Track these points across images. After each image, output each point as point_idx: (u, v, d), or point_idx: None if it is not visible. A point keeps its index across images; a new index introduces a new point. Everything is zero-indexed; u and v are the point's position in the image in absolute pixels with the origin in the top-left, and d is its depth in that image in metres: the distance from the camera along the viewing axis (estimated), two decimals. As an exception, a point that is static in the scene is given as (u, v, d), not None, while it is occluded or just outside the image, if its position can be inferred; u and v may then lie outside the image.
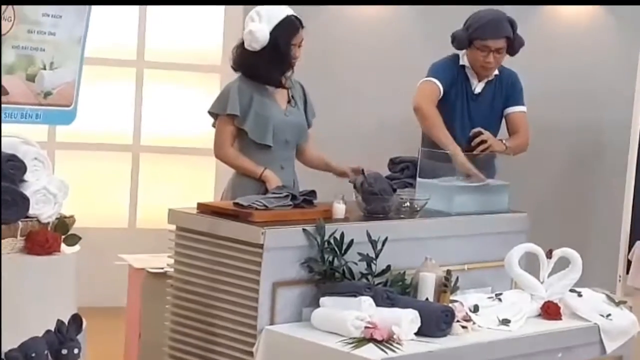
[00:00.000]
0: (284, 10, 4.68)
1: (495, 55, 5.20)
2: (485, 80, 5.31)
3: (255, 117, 4.65)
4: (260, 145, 4.68)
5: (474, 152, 5.01)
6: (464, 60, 5.29)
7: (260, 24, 4.62)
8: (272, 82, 4.71)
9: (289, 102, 4.78)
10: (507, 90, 5.36)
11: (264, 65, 4.65)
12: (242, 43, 4.70)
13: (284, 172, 4.75)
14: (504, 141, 5.23)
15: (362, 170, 4.53)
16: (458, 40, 5.24)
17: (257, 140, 4.67)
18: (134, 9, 6.77)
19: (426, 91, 5.20)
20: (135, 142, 6.87)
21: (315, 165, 4.91)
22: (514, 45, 5.25)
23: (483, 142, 5.04)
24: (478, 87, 5.30)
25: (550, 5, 6.85)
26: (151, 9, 6.80)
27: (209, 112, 4.75)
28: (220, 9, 6.87)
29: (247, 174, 4.66)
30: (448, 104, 5.25)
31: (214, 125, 4.78)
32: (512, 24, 5.24)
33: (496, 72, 5.33)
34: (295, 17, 4.70)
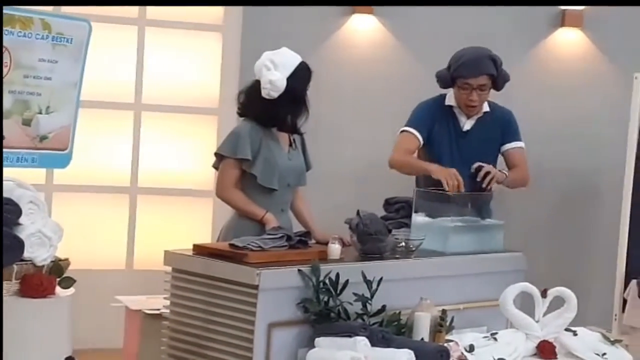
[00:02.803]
0: (297, 57, 4.75)
1: (478, 93, 5.24)
2: (475, 118, 5.35)
3: (264, 162, 4.68)
4: (264, 188, 4.70)
5: (483, 185, 5.04)
6: (450, 100, 5.34)
7: (277, 72, 4.65)
8: (288, 128, 4.77)
9: (290, 145, 4.82)
10: (503, 127, 5.40)
11: (282, 112, 4.71)
12: (251, 89, 4.75)
13: (284, 215, 4.78)
14: (503, 171, 5.26)
15: (358, 211, 4.55)
16: (442, 80, 5.32)
17: (265, 185, 4.69)
18: (132, 51, 6.81)
19: (402, 145, 5.30)
20: (132, 184, 6.88)
21: (295, 214, 4.93)
22: (497, 82, 5.29)
23: (487, 173, 5.07)
24: (467, 125, 5.34)
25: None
26: (148, 51, 6.84)
27: (217, 154, 4.77)
28: (218, 51, 6.91)
29: (248, 216, 4.68)
30: (435, 143, 5.31)
31: (215, 166, 4.80)
32: (495, 61, 5.29)
33: (486, 108, 5.36)
34: (306, 63, 4.77)
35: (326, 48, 6.81)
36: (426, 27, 6.65)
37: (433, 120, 5.31)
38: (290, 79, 4.67)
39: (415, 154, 5.36)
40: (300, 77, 4.71)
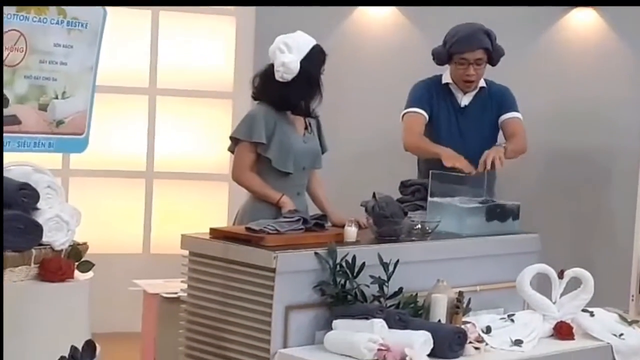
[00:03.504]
0: (311, 40, 4.74)
1: (475, 67, 5.27)
2: (472, 94, 5.36)
3: (279, 146, 4.68)
4: (280, 172, 4.70)
5: (488, 168, 5.05)
6: (446, 78, 5.37)
7: (291, 55, 4.65)
8: (302, 112, 4.77)
9: (305, 128, 4.81)
10: (499, 100, 5.42)
11: (296, 95, 4.70)
12: (265, 73, 4.74)
13: (300, 198, 4.78)
14: (502, 144, 5.26)
15: (374, 193, 4.55)
16: (438, 57, 5.34)
17: (280, 168, 4.69)
18: (146, 36, 6.82)
19: (411, 127, 5.31)
20: (148, 169, 6.90)
21: (312, 198, 4.93)
22: (493, 56, 5.32)
23: (488, 163, 5.06)
24: (464, 100, 5.38)
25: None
26: (163, 35, 6.84)
27: (232, 137, 4.77)
28: (232, 34, 6.92)
29: (264, 199, 4.69)
30: (434, 121, 5.33)
31: (230, 149, 4.80)
32: (489, 35, 5.31)
33: (483, 84, 5.38)
34: (320, 45, 4.75)
35: (341, 32, 6.81)
36: (439, 11, 6.62)
37: (431, 97, 5.34)
38: (303, 61, 4.66)
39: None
40: (314, 59, 4.70)
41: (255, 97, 4.80)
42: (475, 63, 5.26)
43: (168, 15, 6.83)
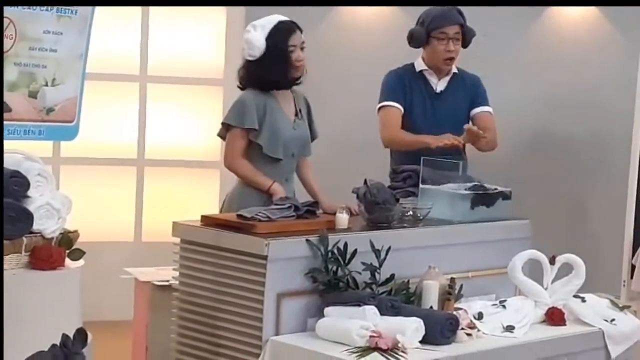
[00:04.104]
0: (277, 17, 4.77)
1: (454, 42, 5.29)
2: (447, 79, 5.39)
3: (269, 132, 4.68)
4: (269, 158, 4.70)
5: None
6: (420, 65, 5.38)
7: (255, 32, 4.69)
8: (282, 85, 4.76)
9: (296, 114, 4.81)
10: (471, 91, 5.44)
11: (267, 70, 4.69)
12: (244, 62, 4.75)
13: (288, 184, 4.78)
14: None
15: (365, 180, 4.55)
16: (417, 37, 5.35)
17: (270, 154, 4.69)
18: (137, 23, 6.80)
19: (388, 121, 5.33)
20: (139, 156, 6.89)
21: (303, 185, 4.93)
22: (465, 36, 5.35)
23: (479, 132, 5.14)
24: (440, 86, 5.39)
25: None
26: (153, 23, 6.82)
27: (223, 123, 4.76)
28: (222, 22, 6.90)
29: (255, 186, 4.69)
30: (409, 110, 5.34)
31: (221, 135, 4.80)
32: (462, 14, 5.37)
33: (455, 70, 5.41)
34: (290, 20, 4.77)
35: (333, 18, 6.80)
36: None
37: (404, 86, 5.36)
38: (268, 38, 4.68)
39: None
40: (278, 34, 4.70)
41: (241, 87, 4.80)
42: (454, 38, 5.30)
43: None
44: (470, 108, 5.43)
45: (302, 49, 4.74)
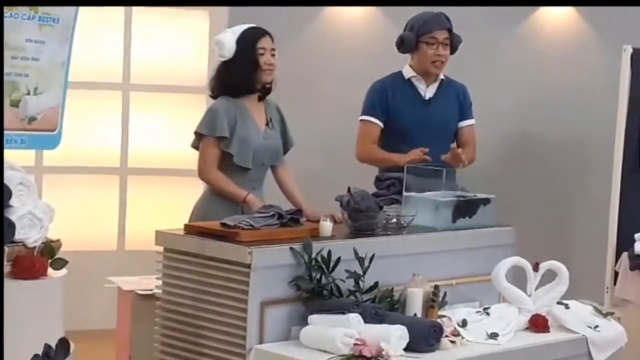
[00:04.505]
0: (249, 25, 4.85)
1: (443, 47, 5.33)
2: (435, 86, 5.41)
3: (239, 141, 4.72)
4: (239, 167, 4.73)
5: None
6: (408, 72, 5.41)
7: (226, 35, 4.79)
8: (252, 89, 4.79)
9: (267, 124, 4.84)
10: (461, 100, 5.50)
11: (237, 73, 4.75)
12: (216, 69, 4.83)
13: (256, 192, 4.82)
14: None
15: (349, 188, 4.55)
16: (406, 42, 5.38)
17: (240, 164, 4.72)
18: (119, 30, 6.79)
19: (364, 136, 5.43)
20: (122, 165, 6.88)
21: (285, 194, 4.96)
22: (453, 42, 5.39)
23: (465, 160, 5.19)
24: (428, 93, 5.42)
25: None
26: (136, 30, 6.81)
27: (196, 133, 4.78)
28: (205, 29, 6.89)
29: (229, 197, 4.69)
30: (399, 117, 5.38)
31: (194, 146, 4.82)
32: (449, 20, 5.41)
33: (442, 76, 5.44)
34: (262, 28, 4.84)
35: (318, 24, 6.80)
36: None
37: (385, 98, 5.40)
38: (237, 41, 4.76)
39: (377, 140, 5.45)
40: (248, 34, 4.78)
41: (212, 96, 4.85)
42: (444, 42, 5.34)
43: (141, 9, 6.80)
44: (459, 117, 5.47)
45: (272, 55, 4.79)
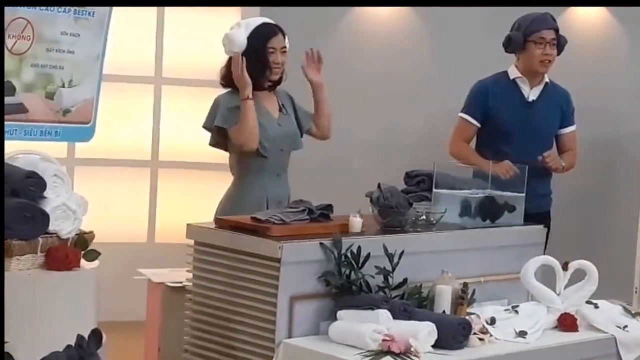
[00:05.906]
0: (263, 19, 4.89)
1: (550, 47, 5.39)
2: (539, 88, 5.46)
3: None
4: (258, 155, 4.77)
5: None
6: (513, 73, 5.45)
7: (239, 30, 4.81)
8: (258, 86, 4.81)
9: (280, 110, 4.87)
10: (563, 106, 5.58)
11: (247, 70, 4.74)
12: (227, 60, 4.87)
13: (280, 180, 4.88)
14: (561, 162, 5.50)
15: (379, 184, 4.56)
16: (514, 41, 5.42)
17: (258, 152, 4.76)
18: (152, 25, 6.82)
19: (458, 133, 5.55)
20: (153, 158, 6.91)
21: (322, 119, 5.01)
22: (559, 42, 5.45)
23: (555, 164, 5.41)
24: (532, 95, 5.48)
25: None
26: (168, 25, 6.84)
27: (215, 127, 4.83)
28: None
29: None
30: (502, 117, 5.45)
31: (211, 144, 4.96)
32: (555, 20, 5.47)
33: (547, 80, 5.48)
34: (274, 24, 4.86)
35: (347, 24, 6.81)
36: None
37: (485, 99, 5.46)
38: (249, 37, 4.78)
39: (474, 140, 5.58)
40: (259, 32, 4.80)
41: (222, 83, 4.91)
42: (551, 42, 5.39)
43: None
44: (561, 123, 5.53)
45: (283, 53, 4.83)
